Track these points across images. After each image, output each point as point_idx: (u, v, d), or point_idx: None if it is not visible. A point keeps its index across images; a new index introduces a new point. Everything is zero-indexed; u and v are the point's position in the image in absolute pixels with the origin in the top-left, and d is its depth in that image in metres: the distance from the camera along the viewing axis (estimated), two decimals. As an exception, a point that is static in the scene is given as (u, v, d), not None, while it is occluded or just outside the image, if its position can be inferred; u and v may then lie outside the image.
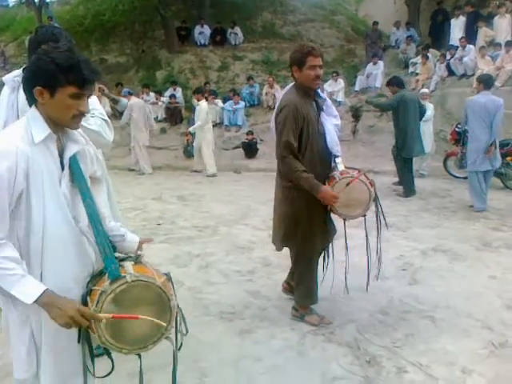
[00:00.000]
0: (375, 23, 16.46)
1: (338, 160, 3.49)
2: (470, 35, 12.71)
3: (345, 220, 3.51)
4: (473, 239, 5.63)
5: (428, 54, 13.41)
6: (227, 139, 13.41)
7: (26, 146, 1.71)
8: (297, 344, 3.34)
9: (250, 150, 12.60)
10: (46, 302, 1.67)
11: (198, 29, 17.23)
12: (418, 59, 13.63)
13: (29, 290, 1.66)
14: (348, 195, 3.25)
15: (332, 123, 3.50)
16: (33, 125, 1.76)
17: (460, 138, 8.70)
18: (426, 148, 9.66)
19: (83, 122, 2.61)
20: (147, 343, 1.78)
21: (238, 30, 17.52)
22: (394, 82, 8.38)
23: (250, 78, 14.82)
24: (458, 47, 12.38)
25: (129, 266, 1.80)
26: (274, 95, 13.95)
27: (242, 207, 7.55)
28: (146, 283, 1.74)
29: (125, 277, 1.72)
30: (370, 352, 3.20)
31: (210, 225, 6.52)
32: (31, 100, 1.79)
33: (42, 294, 1.66)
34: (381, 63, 14.19)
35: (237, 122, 13.57)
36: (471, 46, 12.14)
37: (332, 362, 3.10)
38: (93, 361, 1.88)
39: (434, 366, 3.03)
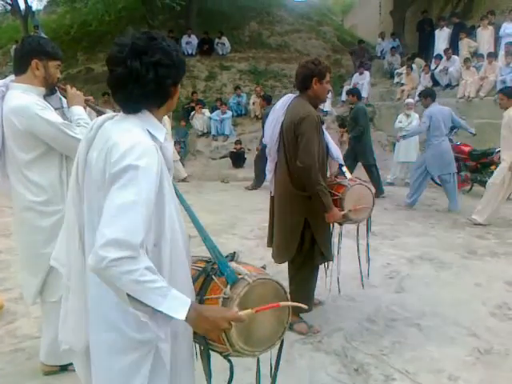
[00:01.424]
0: (361, 42, 16.71)
1: (344, 169, 3.73)
2: (455, 46, 12.93)
3: (341, 224, 3.75)
4: (458, 247, 5.69)
5: (413, 65, 13.58)
6: (214, 149, 13.43)
7: (154, 149, 1.53)
8: (285, 353, 3.33)
9: (238, 159, 12.61)
10: (194, 314, 1.47)
11: (185, 38, 17.26)
12: (404, 69, 13.79)
13: (178, 303, 1.45)
14: (359, 201, 3.53)
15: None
16: (148, 125, 1.59)
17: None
18: (412, 157, 9.81)
19: (68, 131, 2.62)
20: (274, 340, 1.74)
21: (225, 39, 17.61)
22: (355, 92, 9.38)
23: (237, 88, 14.88)
24: (443, 57, 12.58)
25: (239, 266, 1.73)
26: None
27: (229, 216, 7.53)
28: (264, 281, 1.68)
29: (244, 278, 1.65)
30: (358, 360, 3.21)
31: (198, 234, 6.48)
32: (163, 98, 1.64)
33: (190, 307, 1.47)
34: (367, 73, 14.35)
35: (224, 131, 13.59)
36: (456, 57, 12.35)
37: (320, 370, 3.11)
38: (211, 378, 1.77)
39: (420, 373, 3.05)
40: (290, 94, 3.64)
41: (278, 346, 1.83)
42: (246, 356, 1.67)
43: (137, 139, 1.49)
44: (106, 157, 1.50)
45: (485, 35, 12.61)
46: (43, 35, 14.63)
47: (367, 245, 3.96)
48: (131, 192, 1.41)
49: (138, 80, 1.53)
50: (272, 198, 3.72)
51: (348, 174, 3.71)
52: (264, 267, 1.84)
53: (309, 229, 3.46)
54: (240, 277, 1.66)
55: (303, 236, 3.47)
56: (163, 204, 1.56)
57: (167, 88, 1.61)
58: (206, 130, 13.86)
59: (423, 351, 3.32)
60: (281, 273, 4.13)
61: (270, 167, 3.70)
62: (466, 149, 8.92)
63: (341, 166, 3.72)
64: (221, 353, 1.72)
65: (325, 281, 3.96)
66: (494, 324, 3.72)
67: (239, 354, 1.66)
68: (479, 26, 12.88)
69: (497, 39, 12.40)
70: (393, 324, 3.74)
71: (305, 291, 3.64)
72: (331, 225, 3.65)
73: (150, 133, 1.58)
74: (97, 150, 1.58)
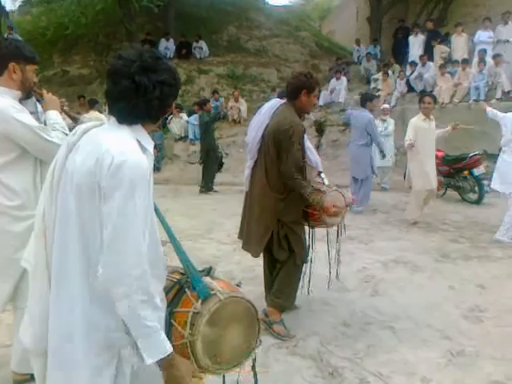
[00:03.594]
0: (338, 59, 16.97)
1: (323, 175, 3.89)
2: (430, 53, 13.16)
3: (313, 228, 3.84)
4: (432, 251, 5.78)
5: (388, 71, 13.78)
6: (192, 153, 13.37)
7: (146, 160, 1.58)
8: (260, 357, 3.34)
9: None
10: (169, 362, 1.53)
11: (163, 42, 17.19)
12: (380, 75, 13.99)
13: (161, 345, 1.52)
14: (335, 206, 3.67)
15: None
16: (139, 136, 1.62)
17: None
18: (388, 162, 9.93)
19: (44, 135, 2.60)
20: (241, 359, 1.73)
21: (203, 43, 17.60)
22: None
23: (215, 92, 14.86)
24: (417, 64, 12.81)
25: (212, 282, 1.72)
26: (239, 109, 14.04)
27: (206, 221, 7.51)
28: (236, 299, 1.69)
29: (216, 295, 1.64)
30: (333, 364, 3.24)
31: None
32: (161, 115, 1.70)
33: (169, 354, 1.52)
34: (344, 79, 14.49)
35: (202, 135, 13.54)
36: (430, 63, 12.59)
37: (295, 374, 3.12)
38: None
39: (394, 376, 3.08)
40: (277, 99, 3.77)
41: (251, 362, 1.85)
42: (211, 373, 1.69)
43: (130, 149, 1.54)
44: (97, 162, 1.51)
45: (459, 42, 12.88)
46: (18, 37, 14.40)
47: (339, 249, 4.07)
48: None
49: (143, 95, 1.58)
50: (247, 193, 3.84)
51: (326, 181, 3.86)
52: (239, 285, 1.85)
53: (282, 228, 3.60)
54: (212, 292, 1.66)
55: (279, 235, 3.59)
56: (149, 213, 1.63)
57: (168, 105, 1.68)
58: (183, 134, 13.81)
59: (397, 354, 3.36)
60: (256, 278, 4.16)
61: (248, 163, 3.82)
62: (440, 154, 9.07)
63: (320, 172, 3.87)
64: None
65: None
66: (466, 326, 3.79)
67: (204, 371, 1.67)
68: (454, 33, 13.14)
69: (471, 46, 12.68)
70: (367, 327, 3.78)
71: (293, 289, 3.76)
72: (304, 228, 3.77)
73: (140, 143, 1.61)
74: (82, 154, 1.58)
